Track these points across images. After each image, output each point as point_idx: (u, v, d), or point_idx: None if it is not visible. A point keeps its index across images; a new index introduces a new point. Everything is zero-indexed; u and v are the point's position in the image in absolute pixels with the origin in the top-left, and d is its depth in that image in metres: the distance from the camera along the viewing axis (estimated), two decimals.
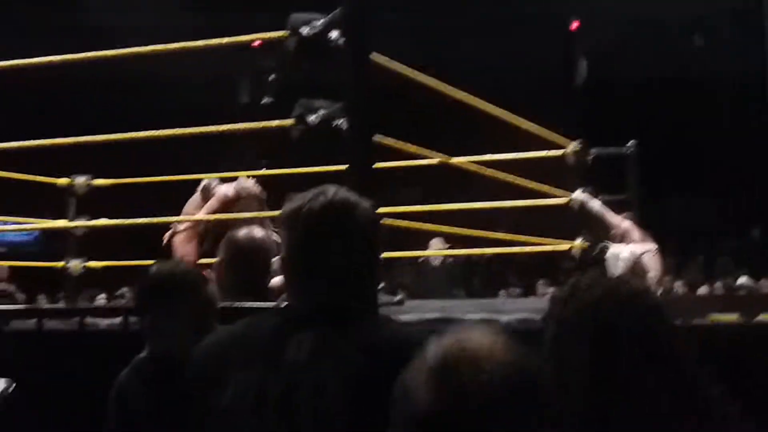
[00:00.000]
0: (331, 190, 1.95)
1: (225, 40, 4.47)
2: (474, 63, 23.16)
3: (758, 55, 11.78)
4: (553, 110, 19.44)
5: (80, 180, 7.48)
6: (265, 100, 25.33)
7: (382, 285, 3.79)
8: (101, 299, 12.19)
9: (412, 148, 4.96)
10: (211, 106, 21.28)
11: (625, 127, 18.88)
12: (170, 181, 8.28)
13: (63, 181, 7.40)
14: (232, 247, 3.09)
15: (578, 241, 7.19)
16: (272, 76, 21.50)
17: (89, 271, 7.58)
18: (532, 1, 21.85)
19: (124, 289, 11.88)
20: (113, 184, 7.61)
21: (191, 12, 21.26)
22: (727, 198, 17.66)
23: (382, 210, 4.37)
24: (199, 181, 7.16)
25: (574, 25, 23.42)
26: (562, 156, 7.25)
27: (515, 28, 22.50)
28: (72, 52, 5.17)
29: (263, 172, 7.34)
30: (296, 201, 1.93)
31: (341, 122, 3.85)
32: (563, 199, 7.17)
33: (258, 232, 3.14)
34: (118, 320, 3.64)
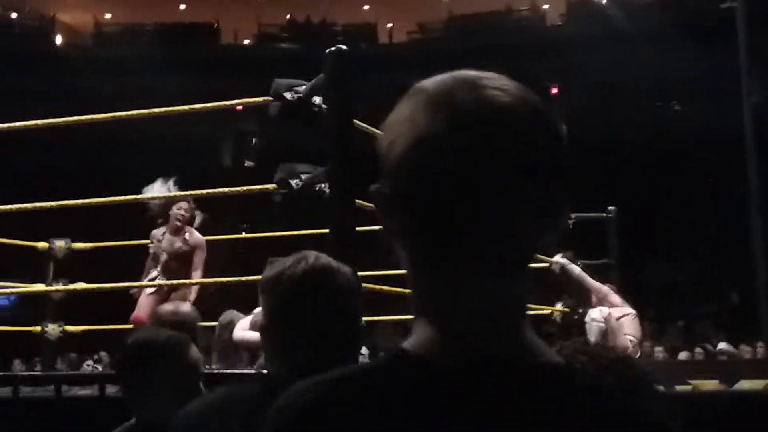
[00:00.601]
0: (312, 256, 1.94)
1: (209, 105, 4.45)
2: None
3: (736, 120, 11.94)
4: None
5: (59, 243, 7.42)
6: (248, 163, 25.52)
7: (364, 350, 3.76)
8: (88, 365, 12.04)
9: None
10: (193, 168, 21.37)
11: (605, 190, 19.13)
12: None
13: (42, 244, 7.33)
14: (157, 321, 2.99)
15: (559, 306, 7.20)
16: (254, 140, 21.69)
17: (67, 335, 7.51)
18: (512, 66, 22.17)
19: (103, 354, 11.76)
20: (93, 247, 7.57)
21: (177, 76, 21.40)
22: (707, 262, 17.77)
23: (363, 274, 4.41)
24: None
25: (554, 90, 23.77)
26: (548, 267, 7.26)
27: None
28: (53, 116, 5.19)
29: (244, 235, 7.33)
30: (277, 267, 1.92)
31: (324, 186, 3.86)
32: (543, 263, 7.18)
33: (185, 306, 3.07)
34: (95, 388, 3.59)
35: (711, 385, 9.06)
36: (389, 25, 25.23)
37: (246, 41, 25.79)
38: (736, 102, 12.13)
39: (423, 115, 0.98)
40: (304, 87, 3.92)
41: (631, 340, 6.82)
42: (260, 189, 4.18)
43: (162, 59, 21.66)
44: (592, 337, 6.81)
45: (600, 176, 19.92)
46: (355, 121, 4.20)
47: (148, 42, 24.45)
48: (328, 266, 1.92)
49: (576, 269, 7.14)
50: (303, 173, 3.96)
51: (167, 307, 3.04)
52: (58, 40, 25.32)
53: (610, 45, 20.95)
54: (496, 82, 1.02)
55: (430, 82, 1.05)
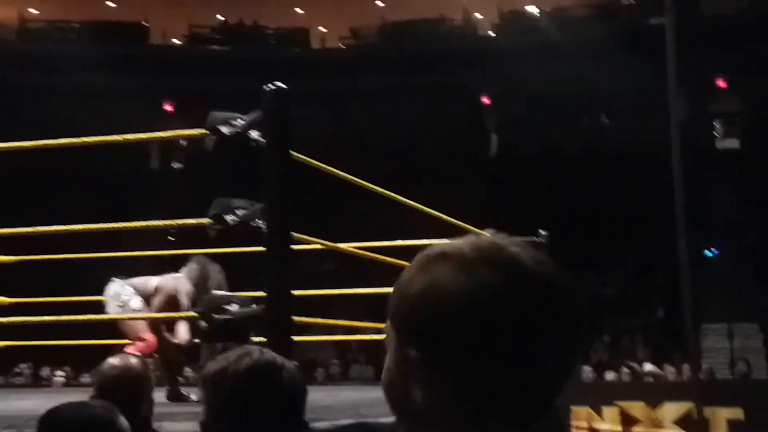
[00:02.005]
0: (256, 351, 1.88)
1: (145, 135, 4.31)
2: (391, 135, 23.48)
3: (663, 134, 12.11)
4: (463, 180, 19.83)
5: None
6: (176, 165, 25.16)
7: None
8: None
9: (327, 244, 4.90)
10: (121, 169, 21.01)
11: (534, 201, 19.33)
12: (74, 258, 8.07)
13: None
14: (101, 378, 2.83)
15: None
16: (184, 143, 21.35)
17: None
18: (444, 74, 22.27)
19: (23, 366, 11.45)
20: (18, 261, 7.35)
21: (105, 74, 21.02)
22: (634, 276, 18.03)
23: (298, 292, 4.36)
24: (99, 259, 6.99)
25: (485, 99, 23.92)
26: None
27: (427, 100, 22.89)
28: None
29: (174, 251, 7.14)
30: (220, 362, 1.85)
31: (260, 223, 3.76)
32: None
33: (131, 360, 2.92)
34: None
35: (637, 407, 9.21)
36: (322, 29, 25.10)
37: (175, 41, 25.40)
38: (663, 116, 12.31)
39: (469, 278, 0.96)
40: (241, 121, 3.80)
41: None
42: (196, 223, 4.05)
43: (89, 57, 21.22)
44: None
45: (529, 186, 20.10)
46: (293, 153, 4.10)
47: (75, 39, 23.94)
48: (272, 362, 1.86)
49: None
50: (238, 208, 3.85)
51: (111, 360, 2.88)
52: None
53: (541, 56, 21.16)
54: (528, 251, 1.01)
55: (459, 247, 1.03)
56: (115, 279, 6.20)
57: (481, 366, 0.92)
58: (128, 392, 2.67)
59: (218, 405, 1.83)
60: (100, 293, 7.20)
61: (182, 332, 6.17)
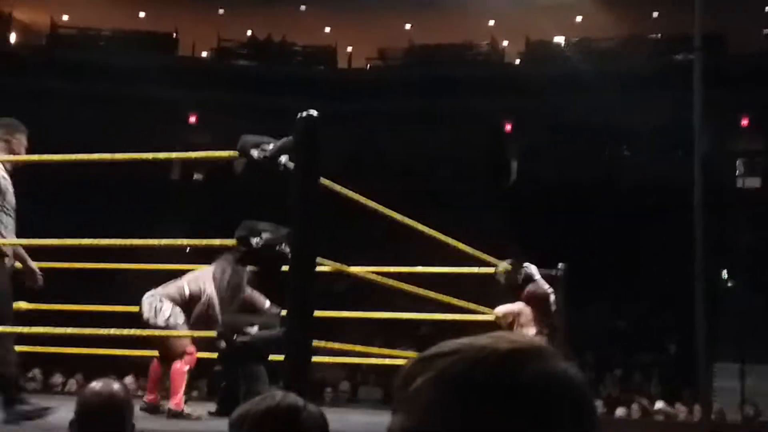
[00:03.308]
0: (279, 395, 1.94)
1: (174, 154, 4.40)
2: (412, 158, 23.58)
3: (684, 170, 12.12)
4: (482, 207, 19.86)
5: None
6: (196, 176, 25.32)
7: None
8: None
9: (349, 270, 4.97)
10: (144, 180, 21.16)
11: (550, 231, 19.33)
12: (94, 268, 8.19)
13: None
14: (84, 403, 2.84)
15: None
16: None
17: None
18: (468, 99, 22.36)
19: (36, 371, 11.56)
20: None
21: (133, 83, 21.21)
22: (649, 310, 17.98)
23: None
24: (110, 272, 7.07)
25: (507, 126, 23.99)
26: (493, 273, 7.31)
27: (451, 125, 22.96)
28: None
29: (191, 266, 7.20)
30: (246, 404, 1.94)
31: (284, 247, 3.84)
32: (489, 315, 7.21)
33: (114, 386, 2.91)
34: None
35: None
36: (349, 49, 25.26)
37: (204, 54, 25.62)
38: (684, 152, 12.32)
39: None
40: (271, 145, 3.89)
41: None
42: (220, 244, 4.14)
43: (118, 66, 21.46)
44: None
45: (547, 217, 20.12)
46: (322, 180, 4.19)
47: (105, 47, 24.21)
48: (294, 406, 1.92)
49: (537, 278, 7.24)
50: (264, 231, 3.93)
51: (94, 385, 2.86)
52: (13, 38, 24.97)
53: (566, 87, 21.22)
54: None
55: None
56: (150, 292, 6.18)
57: None
58: (111, 419, 2.66)
59: None
60: (121, 302, 7.30)
61: None
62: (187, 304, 6.11)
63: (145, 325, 5.94)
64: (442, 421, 0.97)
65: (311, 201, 3.79)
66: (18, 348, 7.40)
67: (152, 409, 6.30)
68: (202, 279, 6.21)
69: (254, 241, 3.90)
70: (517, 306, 7.19)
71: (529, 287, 7.24)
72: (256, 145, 3.94)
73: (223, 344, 3.95)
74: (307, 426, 1.91)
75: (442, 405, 0.97)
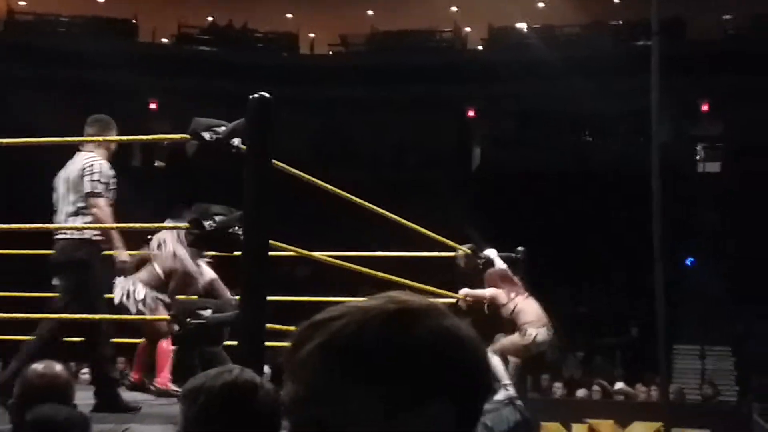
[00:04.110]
0: (237, 370, 1.91)
1: (127, 138, 4.35)
2: (377, 145, 23.55)
3: (645, 155, 12.19)
4: (447, 194, 19.88)
5: None
6: (158, 163, 25.10)
7: None
8: None
9: (303, 252, 4.94)
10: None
11: (517, 217, 19.39)
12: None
13: None
14: (26, 385, 2.80)
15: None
16: (165, 142, 21.26)
17: None
18: (431, 86, 22.36)
19: None
20: None
21: (93, 69, 21.01)
22: (611, 294, 18.11)
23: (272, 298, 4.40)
24: None
25: (470, 113, 24.01)
26: (453, 257, 7.32)
27: (414, 111, 22.96)
28: None
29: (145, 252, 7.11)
30: (200, 378, 1.89)
31: (237, 230, 3.80)
32: (451, 299, 7.22)
33: (56, 367, 2.86)
34: None
35: (607, 425, 9.27)
36: (311, 35, 25.14)
37: (164, 40, 25.37)
38: (648, 137, 12.39)
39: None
40: (223, 128, 3.84)
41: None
42: (173, 227, 4.09)
43: (77, 52, 21.19)
44: None
45: (511, 202, 20.18)
46: (275, 162, 4.15)
47: (64, 33, 23.90)
48: (251, 381, 1.88)
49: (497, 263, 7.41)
50: (217, 215, 3.89)
51: (36, 367, 2.82)
52: None
53: (529, 72, 21.27)
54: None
55: None
56: (121, 277, 6.05)
57: None
58: (54, 399, 2.62)
59: (192, 419, 1.85)
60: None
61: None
62: (167, 282, 6.01)
63: (119, 310, 5.86)
64: (329, 389, 0.95)
65: (264, 183, 3.75)
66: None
67: (137, 387, 6.26)
68: (167, 250, 6.09)
69: (207, 224, 3.86)
70: (489, 291, 7.45)
71: (489, 271, 7.44)
72: (208, 128, 3.89)
73: (176, 327, 3.90)
74: (263, 404, 1.87)
75: (328, 372, 0.95)
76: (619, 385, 10.82)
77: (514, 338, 7.32)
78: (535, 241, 12.98)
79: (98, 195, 5.04)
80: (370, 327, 0.96)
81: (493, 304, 7.43)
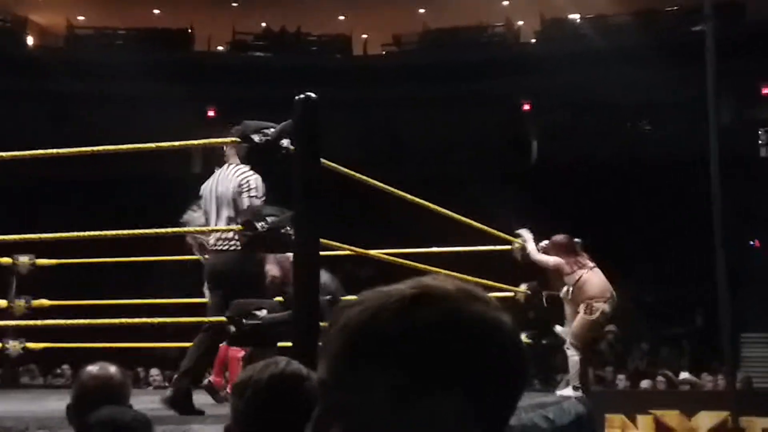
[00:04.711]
0: (283, 362, 1.95)
1: (178, 143, 4.46)
2: (431, 143, 23.54)
3: (705, 142, 12.04)
4: (502, 188, 19.79)
5: (23, 259, 7.37)
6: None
7: None
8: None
9: (356, 250, 5.00)
10: (164, 174, 21.30)
11: (575, 209, 19.22)
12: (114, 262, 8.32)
13: (5, 260, 7.27)
14: (81, 387, 2.83)
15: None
16: (225, 148, 21.50)
17: (28, 351, 7.48)
18: (485, 81, 22.28)
19: (65, 367, 11.67)
20: (57, 264, 7.53)
21: (151, 81, 21.33)
22: (675, 284, 17.85)
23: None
24: (138, 266, 7.13)
25: (526, 106, 23.88)
26: (510, 251, 7.32)
27: (469, 107, 22.91)
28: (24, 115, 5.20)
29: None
30: (248, 371, 1.94)
31: (289, 230, 3.87)
32: (509, 293, 7.22)
33: (111, 369, 2.88)
34: None
35: (672, 415, 9.17)
36: (364, 36, 25.23)
37: (220, 48, 25.69)
38: (706, 124, 12.24)
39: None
40: (272, 130, 3.91)
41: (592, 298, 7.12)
42: (226, 229, 4.18)
43: (135, 64, 21.53)
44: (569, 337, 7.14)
45: (570, 195, 20.03)
46: (323, 161, 4.22)
47: (122, 46, 24.31)
48: (297, 373, 1.92)
49: (530, 247, 7.28)
50: (269, 216, 3.96)
51: (90, 369, 2.85)
52: (30, 41, 25.13)
53: (583, 63, 21.07)
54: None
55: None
56: None
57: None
58: (109, 401, 2.64)
59: (242, 412, 1.91)
60: (141, 297, 7.37)
61: None
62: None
63: None
64: (343, 373, 0.94)
65: (313, 182, 3.81)
66: (47, 344, 7.53)
67: (212, 390, 6.33)
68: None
69: (259, 225, 3.93)
70: (553, 259, 7.28)
71: (554, 238, 7.38)
72: (258, 130, 3.96)
73: (232, 328, 3.98)
74: (310, 394, 1.89)
75: (342, 355, 0.94)
76: (684, 374, 10.69)
77: (581, 319, 7.11)
78: (596, 233, 12.88)
79: (254, 209, 5.03)
80: (385, 310, 0.94)
81: (558, 272, 7.24)
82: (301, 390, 1.90)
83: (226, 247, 5.06)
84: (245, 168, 5.14)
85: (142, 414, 2.44)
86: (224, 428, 1.98)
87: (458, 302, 0.96)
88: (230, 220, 5.04)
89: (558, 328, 7.41)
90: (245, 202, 5.00)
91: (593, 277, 7.20)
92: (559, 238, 7.36)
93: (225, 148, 5.34)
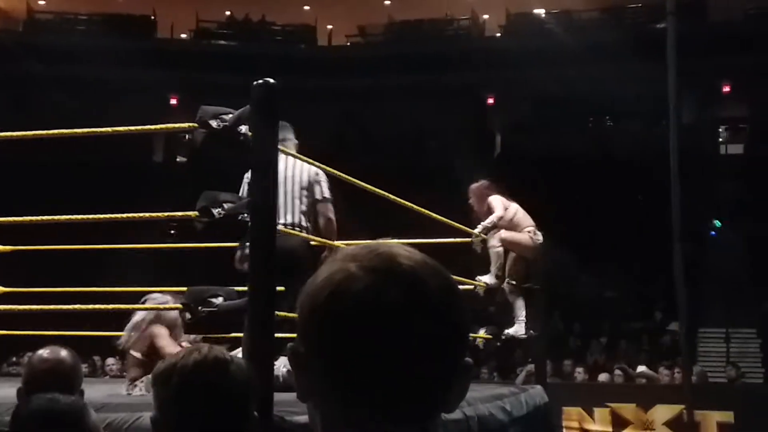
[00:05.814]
0: (206, 348, 1.95)
1: (135, 128, 4.37)
2: (396, 134, 23.50)
3: (666, 139, 12.13)
4: (467, 181, 19.80)
5: None
6: (179, 159, 25.21)
7: None
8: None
9: (313, 238, 4.98)
10: (125, 163, 21.11)
11: (535, 203, 19.25)
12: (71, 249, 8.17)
13: None
14: (32, 370, 2.77)
15: (482, 332, 7.25)
16: (188, 136, 21.38)
17: None
18: (449, 74, 22.29)
19: (22, 354, 11.47)
20: (12, 250, 7.40)
21: (112, 67, 21.11)
22: (635, 279, 17.99)
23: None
24: (101, 253, 7.02)
25: (490, 100, 23.94)
26: (469, 243, 7.29)
27: (433, 100, 22.92)
28: None
29: (172, 245, 7.20)
30: (170, 359, 1.93)
31: (246, 217, 3.81)
32: (469, 285, 7.20)
33: (62, 352, 2.83)
34: None
35: (629, 408, 9.23)
36: (329, 27, 25.14)
37: (183, 36, 25.46)
38: (667, 120, 12.32)
39: (347, 275, 0.98)
40: (230, 115, 3.85)
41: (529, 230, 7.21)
42: (181, 216, 4.11)
43: (97, 50, 21.29)
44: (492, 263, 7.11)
45: (532, 189, 20.09)
46: (281, 148, 4.17)
47: (84, 31, 24.02)
48: (221, 357, 1.92)
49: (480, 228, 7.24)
50: (225, 202, 3.90)
51: (42, 352, 2.81)
52: None
53: (547, 58, 21.15)
54: (413, 255, 1.02)
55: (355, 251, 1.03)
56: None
57: (357, 362, 0.96)
58: (59, 385, 2.60)
59: (167, 400, 1.89)
60: (98, 284, 7.27)
61: None
62: None
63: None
64: (304, 341, 0.99)
65: (270, 168, 3.75)
66: (1, 332, 7.40)
67: None
68: None
69: (215, 211, 3.87)
70: (494, 203, 7.27)
71: (473, 187, 7.48)
72: (216, 116, 3.90)
73: (187, 316, 3.91)
74: (235, 378, 1.89)
75: (305, 325, 0.98)
76: (641, 368, 10.75)
77: (524, 236, 7.17)
78: (558, 226, 12.92)
79: (329, 201, 5.22)
80: (341, 287, 0.99)
81: (500, 208, 7.20)
82: (227, 374, 1.90)
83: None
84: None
85: (77, 400, 2.38)
86: (150, 419, 1.96)
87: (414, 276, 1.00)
88: (298, 210, 5.14)
89: (482, 278, 7.27)
90: (318, 191, 5.17)
91: (522, 212, 7.38)
92: (479, 183, 7.45)
93: None
